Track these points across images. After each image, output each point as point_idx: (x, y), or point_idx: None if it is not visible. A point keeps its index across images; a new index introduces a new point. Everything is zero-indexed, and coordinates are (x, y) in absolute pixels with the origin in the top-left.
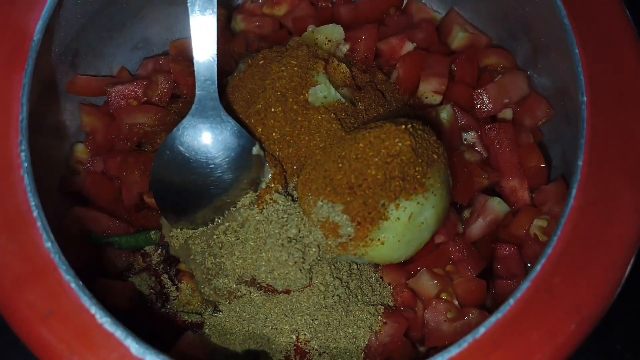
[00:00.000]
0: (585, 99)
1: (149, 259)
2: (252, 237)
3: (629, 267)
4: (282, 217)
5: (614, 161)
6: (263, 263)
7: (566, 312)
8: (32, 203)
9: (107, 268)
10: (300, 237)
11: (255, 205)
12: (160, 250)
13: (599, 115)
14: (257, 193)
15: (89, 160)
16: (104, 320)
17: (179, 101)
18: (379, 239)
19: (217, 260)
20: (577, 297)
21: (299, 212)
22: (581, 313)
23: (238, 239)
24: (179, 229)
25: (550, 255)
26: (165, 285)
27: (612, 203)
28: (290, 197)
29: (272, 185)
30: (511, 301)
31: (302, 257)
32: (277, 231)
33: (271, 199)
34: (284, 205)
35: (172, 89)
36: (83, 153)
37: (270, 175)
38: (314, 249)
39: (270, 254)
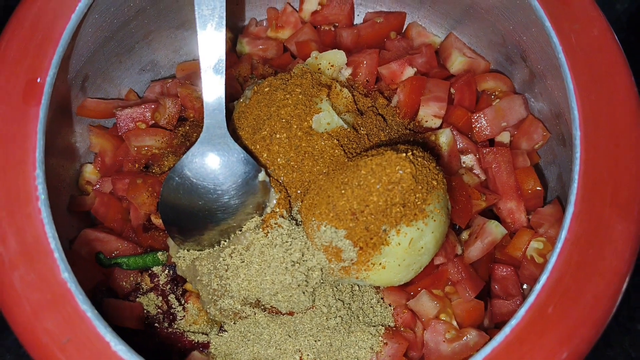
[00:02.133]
0: (579, 132)
1: (156, 279)
2: (257, 260)
3: (620, 297)
4: (287, 241)
5: (607, 193)
6: (267, 286)
7: (559, 342)
8: (50, 234)
9: (116, 288)
10: (303, 260)
11: (261, 229)
12: (167, 270)
13: (591, 148)
14: (262, 217)
15: (98, 181)
16: (119, 348)
17: (185, 124)
18: (380, 263)
19: (223, 282)
20: (569, 327)
21: (302, 236)
22: (573, 342)
23: (243, 261)
24: (185, 250)
25: (544, 285)
26: (172, 305)
27: (604, 235)
28: (294, 221)
29: (277, 210)
30: (507, 330)
31: (306, 281)
32: (281, 255)
33: (276, 223)
34: (288, 230)
35: (179, 112)
36: (92, 174)
37: (275, 200)
38: (317, 272)
39: (275, 276)
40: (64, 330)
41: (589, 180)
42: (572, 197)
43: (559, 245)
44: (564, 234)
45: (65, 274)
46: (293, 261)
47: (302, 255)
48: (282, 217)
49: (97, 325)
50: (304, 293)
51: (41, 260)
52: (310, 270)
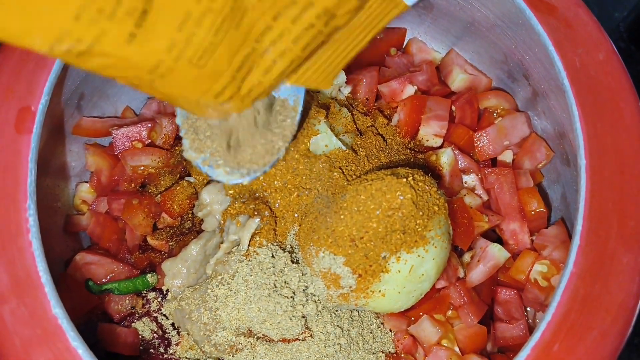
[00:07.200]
0: (584, 161)
1: (148, 305)
2: (243, 288)
3: (629, 332)
4: (269, 268)
5: (612, 224)
6: (254, 314)
7: None
8: (40, 267)
9: (111, 313)
10: (286, 285)
11: (244, 257)
12: (159, 298)
13: (597, 177)
14: (245, 250)
15: (94, 200)
16: None
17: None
18: (379, 291)
19: (213, 313)
20: None
21: (285, 261)
22: None
23: (231, 290)
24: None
25: (550, 322)
26: (167, 330)
27: (610, 268)
28: (278, 247)
29: (258, 238)
30: None
31: (291, 305)
32: (263, 282)
33: (255, 251)
34: (268, 257)
35: (176, 131)
36: (88, 193)
37: (260, 225)
38: (311, 306)
39: (259, 304)
40: None
41: (595, 211)
42: (578, 228)
43: (564, 280)
44: (569, 267)
45: (57, 310)
46: (275, 287)
47: (285, 282)
48: (262, 245)
49: None
50: (291, 319)
51: (32, 295)
52: (308, 296)
